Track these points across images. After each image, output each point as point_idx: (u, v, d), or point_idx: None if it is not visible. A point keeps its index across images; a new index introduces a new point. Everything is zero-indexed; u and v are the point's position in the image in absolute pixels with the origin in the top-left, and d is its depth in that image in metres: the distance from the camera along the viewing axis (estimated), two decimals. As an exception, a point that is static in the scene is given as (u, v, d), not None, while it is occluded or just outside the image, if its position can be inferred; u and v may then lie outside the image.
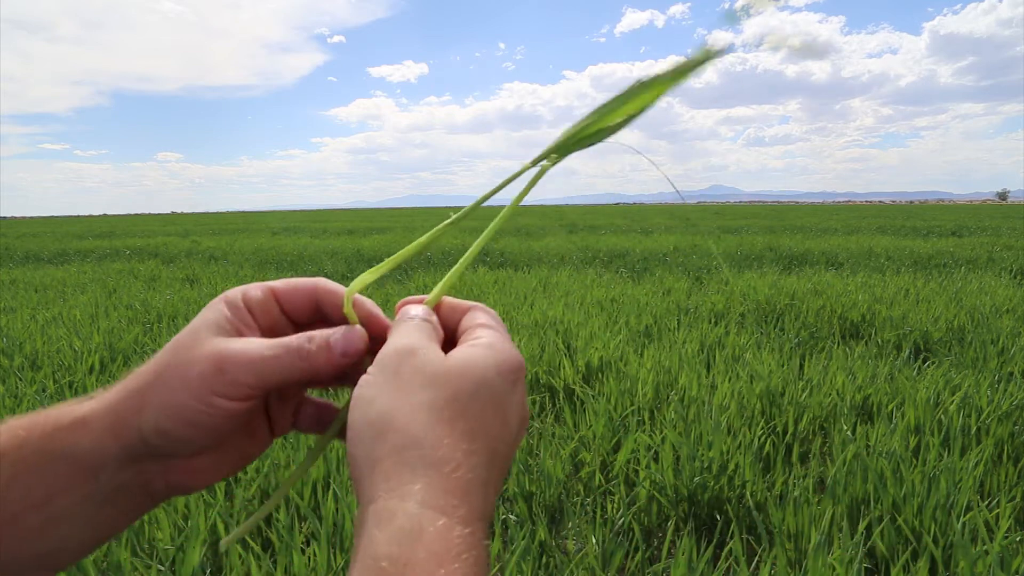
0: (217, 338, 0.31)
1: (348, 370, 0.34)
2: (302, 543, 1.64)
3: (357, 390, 0.28)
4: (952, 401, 2.31)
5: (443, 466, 0.26)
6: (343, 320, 0.34)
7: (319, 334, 0.32)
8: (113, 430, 0.30)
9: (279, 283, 0.35)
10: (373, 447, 0.26)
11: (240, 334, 0.32)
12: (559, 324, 3.69)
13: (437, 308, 0.35)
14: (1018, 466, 1.94)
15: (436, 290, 0.35)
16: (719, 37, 0.30)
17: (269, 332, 0.34)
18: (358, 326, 0.33)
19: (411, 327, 0.31)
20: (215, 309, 0.32)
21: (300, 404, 0.37)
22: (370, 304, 0.35)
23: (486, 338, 0.31)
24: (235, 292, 0.34)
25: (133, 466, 0.31)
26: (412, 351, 0.29)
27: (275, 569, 1.48)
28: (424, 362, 0.29)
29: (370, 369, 0.29)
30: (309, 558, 1.51)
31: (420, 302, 0.35)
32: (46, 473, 0.29)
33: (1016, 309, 4.12)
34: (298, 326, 0.35)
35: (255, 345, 0.31)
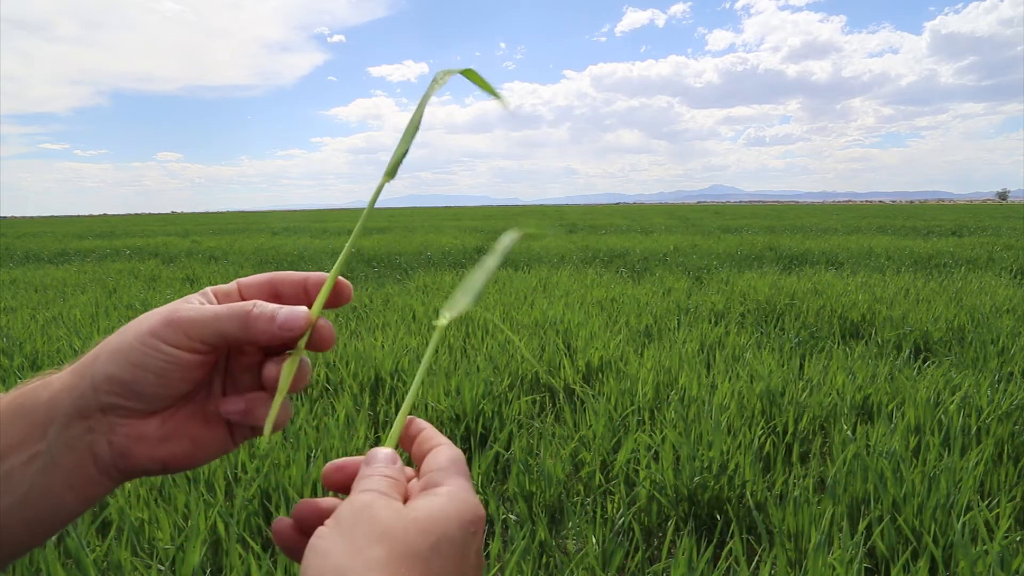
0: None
1: (279, 350, 0.37)
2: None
3: (313, 539, 0.29)
4: (952, 401, 2.31)
5: None
6: (296, 297, 0.38)
7: (265, 303, 0.35)
8: (68, 384, 0.32)
9: (244, 278, 0.39)
10: None
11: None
12: (559, 324, 3.69)
13: (405, 436, 0.36)
14: (1018, 466, 1.94)
15: (395, 427, 0.36)
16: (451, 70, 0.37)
17: None
18: (304, 308, 0.35)
19: (371, 480, 0.31)
20: (188, 296, 0.36)
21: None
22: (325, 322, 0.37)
23: (447, 486, 0.31)
24: (209, 288, 0.37)
25: (82, 422, 0.32)
26: (368, 505, 0.29)
27: (275, 569, 1.48)
28: (379, 517, 0.28)
29: (327, 521, 0.29)
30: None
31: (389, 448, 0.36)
32: (3, 430, 0.31)
33: (1016, 309, 4.12)
34: None
35: (203, 304, 0.34)
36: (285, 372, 0.35)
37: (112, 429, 0.32)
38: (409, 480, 0.34)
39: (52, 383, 0.32)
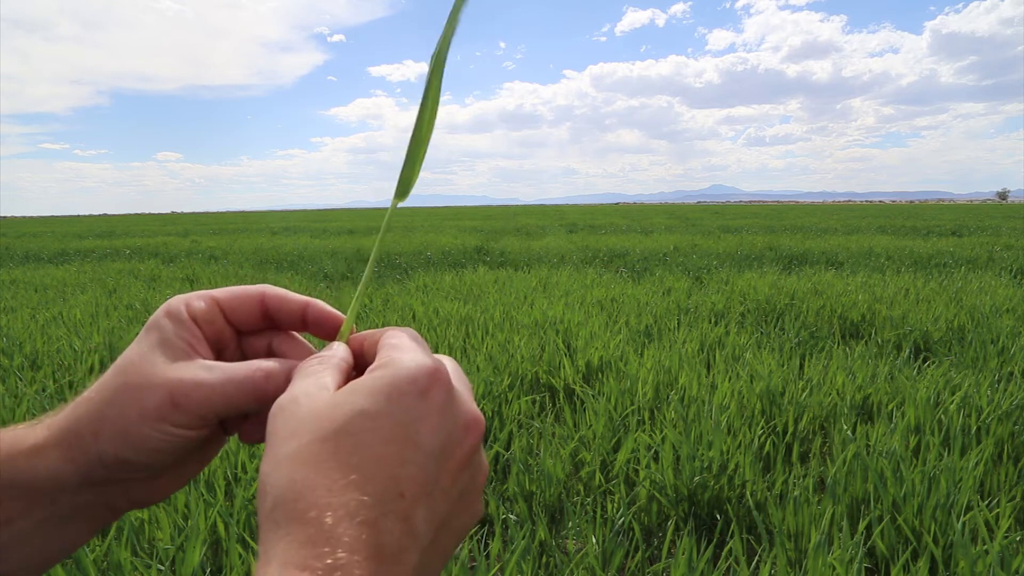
0: (169, 363, 0.31)
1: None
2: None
3: None
4: (952, 401, 2.31)
5: (305, 514, 0.23)
6: (292, 327, 0.35)
7: (273, 367, 0.31)
8: (69, 456, 0.30)
9: (222, 292, 0.34)
10: (258, 515, 0.24)
11: (191, 348, 0.32)
12: (559, 324, 3.69)
13: (358, 343, 0.33)
14: (1018, 466, 1.94)
15: (348, 317, 0.33)
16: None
17: (214, 343, 0.34)
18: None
19: (300, 375, 0.29)
20: (161, 326, 0.32)
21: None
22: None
23: (379, 364, 0.28)
24: (177, 303, 0.32)
25: (93, 488, 0.31)
26: (287, 404, 0.27)
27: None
28: (295, 412, 0.26)
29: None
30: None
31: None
32: (4, 499, 0.29)
33: (1016, 309, 4.12)
34: (242, 335, 0.35)
35: (208, 377, 0.30)
36: None
37: (128, 490, 0.32)
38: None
39: (46, 453, 0.29)
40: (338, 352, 0.31)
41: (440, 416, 0.26)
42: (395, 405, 0.26)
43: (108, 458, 0.30)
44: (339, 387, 0.28)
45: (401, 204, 0.33)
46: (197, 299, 0.33)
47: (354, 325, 0.34)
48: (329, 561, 0.22)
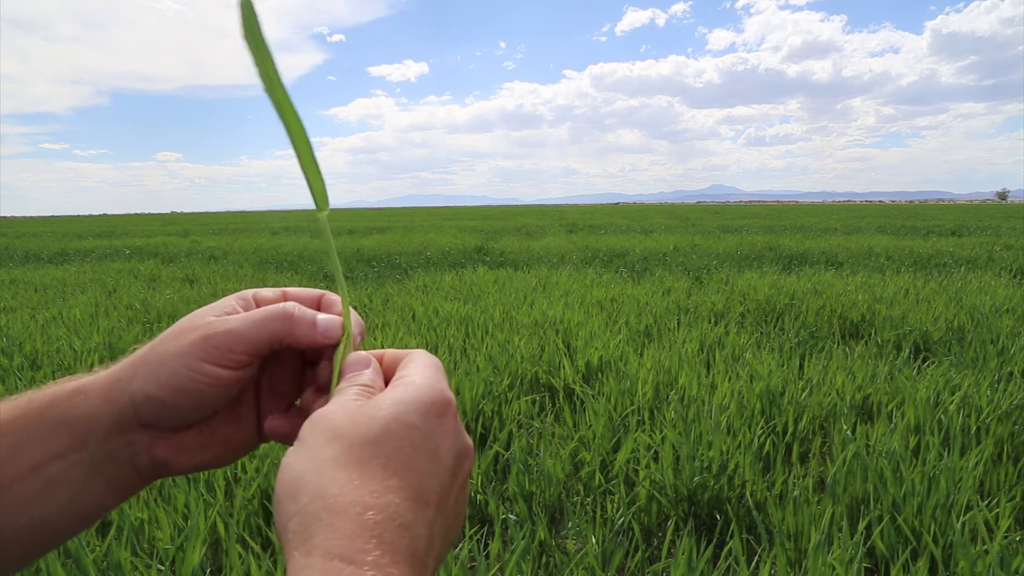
0: (214, 317, 0.34)
1: (316, 361, 0.37)
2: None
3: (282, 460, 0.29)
4: (952, 401, 2.31)
5: (349, 509, 0.24)
6: None
7: (305, 308, 0.35)
8: (106, 396, 0.32)
9: (291, 288, 0.39)
10: (286, 510, 0.25)
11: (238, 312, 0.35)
12: (559, 324, 3.69)
13: (380, 360, 0.36)
14: (1018, 466, 1.94)
15: (344, 323, 0.36)
16: None
17: None
18: (340, 319, 0.36)
19: (345, 393, 0.31)
20: (225, 300, 0.36)
21: (286, 409, 0.38)
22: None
23: (405, 379, 0.31)
24: (250, 290, 0.37)
25: (121, 436, 0.32)
26: (325, 413, 0.29)
27: (275, 569, 1.48)
28: (333, 420, 0.28)
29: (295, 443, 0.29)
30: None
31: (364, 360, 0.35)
32: (43, 439, 0.31)
33: (1016, 309, 4.12)
34: None
35: (240, 316, 0.34)
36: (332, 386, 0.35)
37: (152, 443, 0.33)
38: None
39: (87, 392, 0.32)
40: (367, 376, 0.33)
41: (454, 438, 0.29)
42: (422, 420, 0.28)
43: (138, 396, 0.32)
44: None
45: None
46: (268, 290, 0.38)
47: (361, 337, 0.38)
48: (371, 558, 0.23)
